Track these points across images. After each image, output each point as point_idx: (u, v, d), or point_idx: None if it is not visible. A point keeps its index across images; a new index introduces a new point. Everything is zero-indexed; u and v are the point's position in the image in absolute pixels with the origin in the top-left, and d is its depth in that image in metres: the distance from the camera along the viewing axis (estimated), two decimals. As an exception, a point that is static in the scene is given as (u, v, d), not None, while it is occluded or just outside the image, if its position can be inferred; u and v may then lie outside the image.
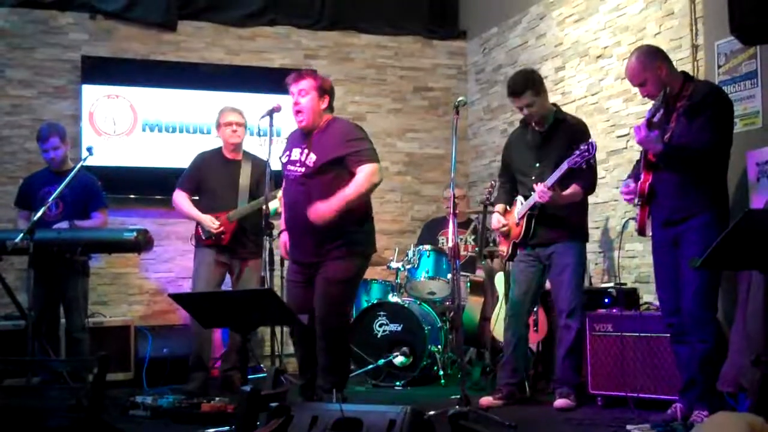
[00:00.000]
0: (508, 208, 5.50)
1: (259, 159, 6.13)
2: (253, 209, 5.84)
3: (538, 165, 5.26)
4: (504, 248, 5.51)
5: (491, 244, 6.60)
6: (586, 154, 4.90)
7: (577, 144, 4.99)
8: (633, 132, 4.55)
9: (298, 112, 4.88)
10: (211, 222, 5.87)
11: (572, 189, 5.14)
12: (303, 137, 4.96)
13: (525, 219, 5.26)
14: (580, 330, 5.20)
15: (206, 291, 5.65)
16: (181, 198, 6.06)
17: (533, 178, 5.23)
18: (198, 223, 5.98)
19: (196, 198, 6.10)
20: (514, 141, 5.59)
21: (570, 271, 5.22)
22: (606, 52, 6.42)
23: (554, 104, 5.48)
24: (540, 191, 5.04)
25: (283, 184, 4.97)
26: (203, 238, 5.97)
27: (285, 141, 5.21)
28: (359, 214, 4.86)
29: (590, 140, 4.99)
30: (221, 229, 5.86)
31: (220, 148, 6.12)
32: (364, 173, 4.76)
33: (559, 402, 5.13)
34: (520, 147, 5.47)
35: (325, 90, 4.92)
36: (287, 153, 4.97)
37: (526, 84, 5.23)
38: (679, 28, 5.69)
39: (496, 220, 5.51)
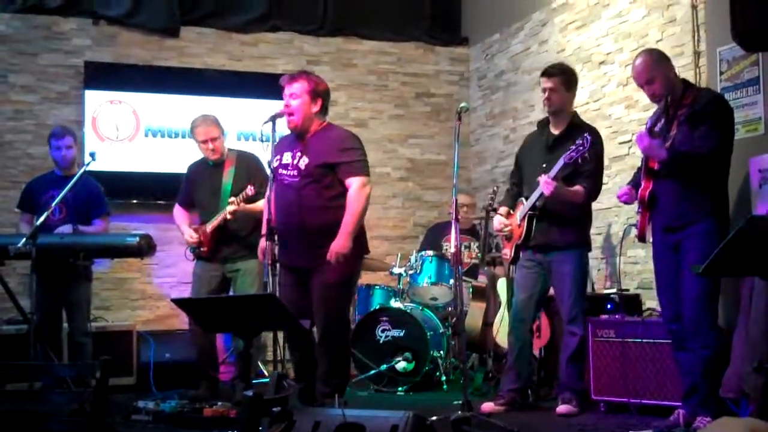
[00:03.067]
0: (511, 211, 5.51)
1: (244, 154, 6.03)
2: (221, 218, 5.69)
3: (545, 165, 5.21)
4: (507, 251, 5.51)
5: (494, 250, 6.60)
6: (581, 148, 4.92)
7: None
8: (635, 140, 4.56)
9: (289, 114, 4.86)
10: (189, 236, 5.80)
11: (575, 188, 5.14)
12: (294, 141, 4.95)
13: (526, 219, 5.27)
14: (583, 336, 5.20)
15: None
16: (176, 213, 6.05)
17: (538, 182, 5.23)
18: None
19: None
20: (528, 141, 5.60)
21: (569, 280, 5.21)
22: (608, 58, 6.43)
23: (575, 111, 5.46)
24: (545, 181, 5.02)
25: (272, 187, 4.83)
26: (189, 251, 5.92)
27: (276, 145, 5.10)
28: None
29: (585, 135, 4.96)
30: (200, 240, 5.77)
31: None
32: (354, 190, 4.80)
33: (562, 408, 5.12)
34: (532, 147, 5.48)
35: (318, 93, 4.89)
36: (278, 157, 4.93)
37: (562, 71, 5.33)
38: (681, 35, 5.70)
39: (497, 221, 5.51)
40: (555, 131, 5.34)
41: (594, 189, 5.23)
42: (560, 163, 5.02)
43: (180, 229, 5.98)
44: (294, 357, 5.10)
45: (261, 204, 5.68)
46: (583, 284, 5.32)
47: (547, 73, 5.30)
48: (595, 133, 5.26)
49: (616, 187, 6.01)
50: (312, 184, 4.81)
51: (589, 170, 5.13)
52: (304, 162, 4.83)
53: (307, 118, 4.88)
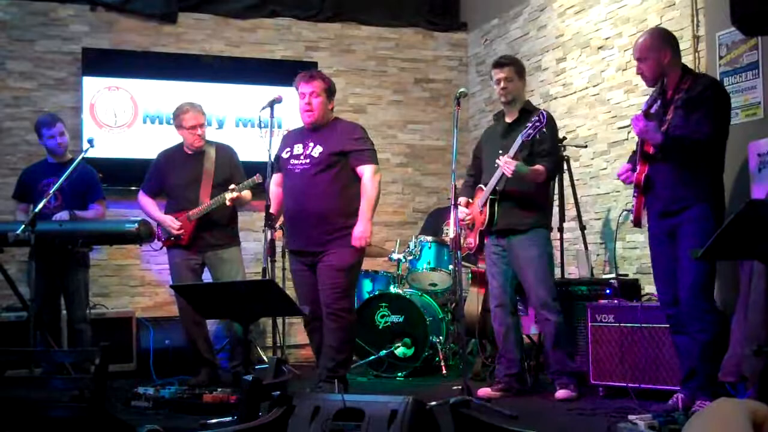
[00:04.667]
0: (470, 201, 5.53)
1: (222, 145, 6.05)
2: (215, 206, 5.70)
3: (501, 151, 5.24)
4: (471, 240, 5.53)
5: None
6: (538, 124, 4.98)
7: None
8: (631, 122, 4.57)
9: (308, 111, 5.09)
10: (171, 222, 5.76)
11: (535, 167, 5.16)
12: (304, 134, 5.20)
13: (488, 204, 5.29)
14: (558, 321, 5.20)
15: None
16: (144, 200, 6.02)
17: (497, 165, 5.25)
18: (158, 224, 5.88)
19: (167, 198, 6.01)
20: (485, 135, 5.69)
21: (534, 265, 5.23)
22: (607, 43, 6.42)
23: (527, 99, 5.56)
24: (505, 161, 5.06)
25: (270, 174, 5.01)
26: (162, 239, 5.88)
27: (282, 140, 5.37)
28: (357, 205, 5.09)
29: (540, 111, 5.01)
30: (181, 230, 5.75)
31: (182, 144, 5.99)
32: (368, 177, 5.09)
33: (561, 393, 5.14)
34: (489, 138, 5.56)
35: (332, 92, 5.22)
36: (288, 150, 5.18)
37: (513, 61, 5.47)
38: (680, 19, 5.68)
39: (460, 212, 5.47)
40: (509, 120, 5.42)
41: (554, 167, 5.31)
42: (518, 141, 5.07)
43: (152, 216, 5.94)
44: (315, 343, 5.28)
45: (246, 195, 5.79)
46: (548, 267, 5.31)
47: (500, 64, 5.38)
48: (548, 115, 5.30)
49: (614, 172, 6.02)
50: (324, 172, 5.05)
51: (545, 149, 5.20)
52: (318, 150, 5.07)
53: (325, 114, 5.17)
